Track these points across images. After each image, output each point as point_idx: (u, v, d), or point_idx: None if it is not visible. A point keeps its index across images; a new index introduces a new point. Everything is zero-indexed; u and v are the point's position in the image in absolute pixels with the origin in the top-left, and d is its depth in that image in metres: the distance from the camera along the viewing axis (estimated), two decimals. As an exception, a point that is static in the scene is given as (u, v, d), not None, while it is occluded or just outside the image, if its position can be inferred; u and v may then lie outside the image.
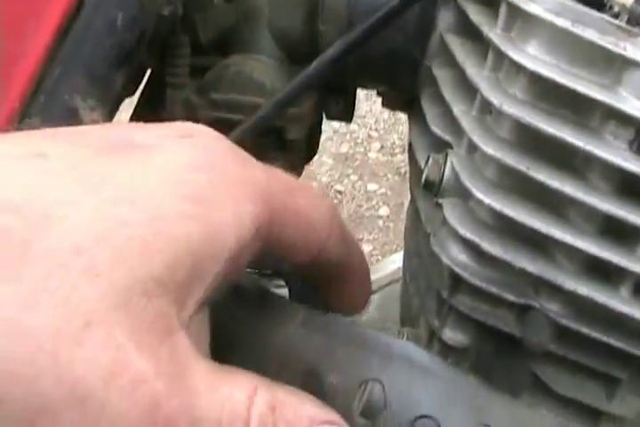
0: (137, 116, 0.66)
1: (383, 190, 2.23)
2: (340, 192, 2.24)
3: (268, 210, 0.29)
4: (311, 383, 0.37)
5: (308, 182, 2.26)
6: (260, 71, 0.62)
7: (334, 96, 0.66)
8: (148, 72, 0.68)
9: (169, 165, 0.27)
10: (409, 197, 0.64)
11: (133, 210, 0.25)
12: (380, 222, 2.11)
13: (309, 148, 0.70)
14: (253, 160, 0.31)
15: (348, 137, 2.46)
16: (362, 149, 2.41)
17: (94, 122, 0.45)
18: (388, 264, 1.12)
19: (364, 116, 2.52)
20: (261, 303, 0.40)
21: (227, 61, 0.63)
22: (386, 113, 2.47)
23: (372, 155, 2.39)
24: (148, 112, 0.64)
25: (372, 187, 2.26)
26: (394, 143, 2.37)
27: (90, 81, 0.45)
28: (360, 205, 2.18)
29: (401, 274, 0.72)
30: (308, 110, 0.63)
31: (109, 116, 0.50)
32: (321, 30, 0.61)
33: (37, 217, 0.23)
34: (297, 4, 0.63)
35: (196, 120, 0.55)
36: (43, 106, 0.45)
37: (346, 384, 0.37)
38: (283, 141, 0.63)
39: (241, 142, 0.52)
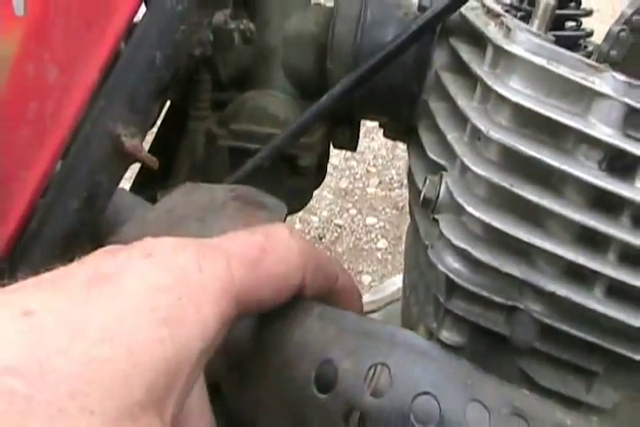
0: (159, 141, 0.72)
1: (381, 224, 2.28)
2: (339, 226, 2.30)
3: (233, 299, 0.35)
4: (327, 369, 0.43)
5: (309, 217, 2.32)
6: (275, 105, 0.68)
7: (341, 127, 0.72)
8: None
9: (139, 291, 0.31)
10: (406, 229, 0.70)
11: (114, 347, 0.28)
12: (379, 255, 2.17)
13: (319, 174, 0.76)
14: (212, 252, 0.35)
15: (347, 173, 2.52)
16: (361, 185, 2.47)
17: (135, 147, 0.52)
18: (388, 286, 1.18)
19: (363, 153, 2.59)
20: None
21: (244, 96, 0.69)
22: (384, 149, 2.54)
23: (370, 190, 2.45)
24: (169, 140, 0.70)
25: (370, 220, 2.32)
26: (392, 178, 2.43)
27: (131, 111, 0.51)
28: (359, 239, 2.23)
29: (400, 294, 0.77)
30: (318, 140, 0.69)
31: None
32: (329, 68, 0.67)
33: (34, 373, 0.27)
34: (308, 45, 0.69)
35: (214, 149, 0.62)
36: (89, 132, 0.52)
37: (357, 369, 0.43)
38: (296, 168, 0.69)
39: (259, 169, 0.59)
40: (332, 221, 2.32)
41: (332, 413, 0.43)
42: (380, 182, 2.46)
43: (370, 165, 2.55)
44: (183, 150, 0.68)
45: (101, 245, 0.35)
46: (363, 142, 2.62)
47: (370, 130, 2.65)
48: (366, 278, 2.10)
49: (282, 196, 0.57)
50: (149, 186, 0.65)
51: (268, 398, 0.46)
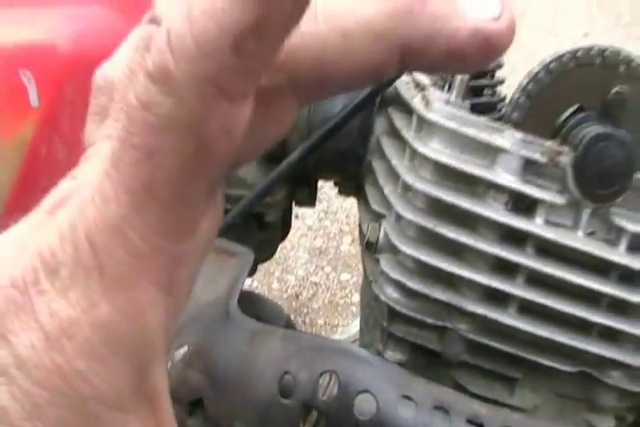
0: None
1: (355, 279, 2.39)
2: (315, 284, 2.40)
3: None
4: (287, 379, 0.54)
5: (286, 276, 2.42)
6: (244, 170, 0.80)
7: (300, 187, 0.84)
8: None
9: None
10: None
11: None
12: (354, 309, 2.26)
13: (284, 227, 0.87)
14: None
15: (321, 232, 2.63)
16: (335, 243, 2.58)
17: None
18: (352, 328, 1.28)
19: (336, 213, 2.71)
20: (249, 326, 0.58)
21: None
22: (355, 208, 2.66)
23: (343, 247, 2.56)
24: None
25: (344, 277, 2.42)
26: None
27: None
28: (334, 294, 2.34)
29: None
30: (281, 199, 0.81)
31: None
32: (288, 138, 0.79)
33: None
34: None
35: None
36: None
37: (311, 377, 0.54)
38: (263, 223, 0.80)
39: (231, 226, 0.70)
40: (307, 279, 2.42)
41: (293, 413, 0.54)
42: (353, 240, 2.57)
43: (343, 224, 2.67)
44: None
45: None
46: (335, 203, 2.74)
47: (342, 191, 2.77)
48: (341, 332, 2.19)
49: (252, 247, 0.68)
50: None
51: (242, 408, 0.56)
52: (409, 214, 0.63)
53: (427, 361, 0.65)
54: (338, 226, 2.68)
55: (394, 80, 0.72)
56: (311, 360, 0.54)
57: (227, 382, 0.57)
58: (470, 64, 0.27)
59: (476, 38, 0.26)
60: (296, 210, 2.90)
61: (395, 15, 0.26)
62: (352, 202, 2.74)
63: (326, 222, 2.70)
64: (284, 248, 2.55)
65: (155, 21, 0.28)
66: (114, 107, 0.28)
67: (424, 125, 0.64)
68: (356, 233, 2.59)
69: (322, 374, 0.53)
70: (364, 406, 0.52)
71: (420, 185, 0.62)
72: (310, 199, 0.85)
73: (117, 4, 0.60)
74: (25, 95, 0.55)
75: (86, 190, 0.24)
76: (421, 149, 0.63)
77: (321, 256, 2.53)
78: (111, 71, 0.30)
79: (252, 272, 0.80)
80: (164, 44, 0.22)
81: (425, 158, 0.63)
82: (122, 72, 0.28)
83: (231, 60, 0.22)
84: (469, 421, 0.53)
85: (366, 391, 0.52)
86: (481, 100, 0.74)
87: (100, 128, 0.29)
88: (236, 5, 0.21)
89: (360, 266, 2.56)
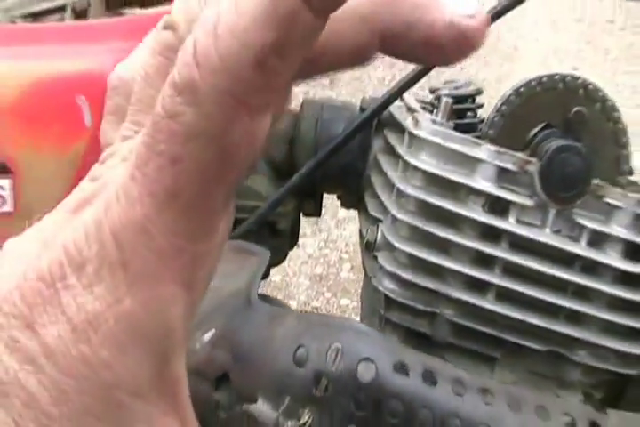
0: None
1: (354, 304, 2.49)
2: (316, 308, 2.50)
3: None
4: (301, 351, 0.65)
5: (288, 301, 2.52)
6: (258, 184, 0.91)
7: (307, 199, 0.95)
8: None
9: None
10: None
11: None
12: (354, 332, 2.37)
13: (293, 237, 0.98)
14: None
15: (321, 260, 2.74)
16: (334, 270, 2.69)
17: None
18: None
19: (336, 241, 2.82)
20: (267, 311, 0.69)
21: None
22: (354, 237, 2.77)
23: (343, 274, 2.67)
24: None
25: (344, 302, 2.53)
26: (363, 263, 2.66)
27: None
28: (335, 318, 2.45)
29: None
30: (290, 209, 0.92)
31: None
32: (297, 155, 0.90)
33: None
34: (281, 139, 0.92)
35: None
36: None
37: (320, 348, 0.64)
38: (275, 231, 0.91)
39: (249, 232, 0.80)
40: (309, 304, 2.53)
41: (307, 381, 0.64)
42: (352, 267, 2.68)
43: (342, 252, 2.78)
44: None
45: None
46: (335, 232, 2.86)
47: (341, 221, 2.89)
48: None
49: (265, 252, 0.78)
50: None
51: (263, 378, 0.67)
52: (402, 216, 0.74)
53: (419, 343, 0.75)
54: (337, 254, 2.79)
55: (388, 105, 0.83)
56: (320, 335, 0.65)
57: (249, 358, 0.67)
58: (446, 56, 0.29)
59: (452, 30, 0.28)
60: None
61: (378, 0, 0.28)
62: (351, 231, 2.86)
63: (326, 251, 2.81)
64: (286, 275, 2.65)
65: (171, 27, 0.29)
66: (131, 108, 0.30)
67: (414, 141, 0.75)
68: (355, 261, 2.71)
69: (329, 346, 0.64)
70: (365, 371, 0.63)
71: (412, 191, 0.73)
72: (316, 210, 0.96)
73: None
74: (80, 116, 0.66)
75: (111, 191, 0.25)
76: (412, 161, 0.74)
77: (321, 282, 2.63)
78: (127, 72, 0.32)
79: (265, 276, 0.91)
80: (191, 58, 0.23)
81: (415, 169, 0.74)
82: (138, 74, 0.30)
83: (253, 76, 0.23)
84: (454, 382, 0.64)
85: (367, 359, 0.63)
86: (464, 121, 0.85)
87: (116, 129, 0.31)
88: (258, 24, 0.23)
89: (359, 291, 2.66)
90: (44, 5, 0.97)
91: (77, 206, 0.28)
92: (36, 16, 0.98)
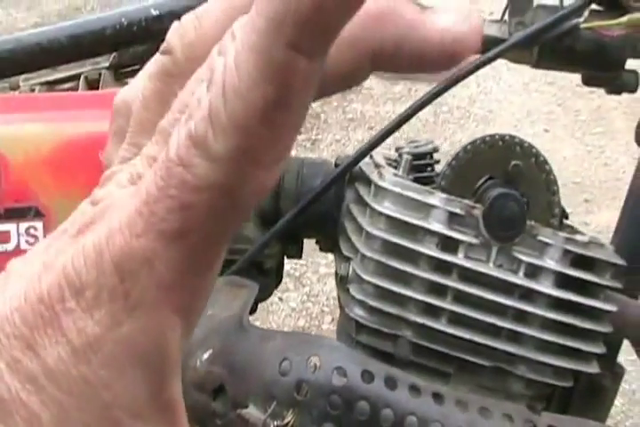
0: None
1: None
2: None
3: None
4: (285, 363, 0.78)
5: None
6: (247, 230, 1.05)
7: (290, 243, 1.09)
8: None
9: None
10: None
11: None
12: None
13: (277, 275, 1.11)
14: None
15: (304, 313, 2.87)
16: (316, 322, 2.81)
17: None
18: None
19: (317, 295, 2.95)
20: (258, 331, 0.82)
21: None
22: (334, 292, 2.90)
23: (324, 326, 2.79)
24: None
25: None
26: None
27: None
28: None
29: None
30: (276, 251, 1.05)
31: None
32: (280, 204, 1.04)
33: None
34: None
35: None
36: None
37: (302, 360, 0.77)
38: (262, 270, 1.05)
39: (240, 270, 0.93)
40: (293, 353, 2.64)
41: (290, 387, 0.77)
42: (333, 320, 2.80)
43: (324, 305, 2.90)
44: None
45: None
46: (317, 287, 2.99)
47: (323, 276, 3.02)
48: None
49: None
50: None
51: (254, 387, 0.79)
52: (370, 254, 0.88)
53: (384, 361, 0.88)
54: (319, 307, 2.92)
55: (358, 161, 0.97)
56: (302, 349, 0.78)
57: (242, 370, 0.80)
58: (440, 64, 0.29)
59: (445, 43, 0.28)
60: (280, 293, 3.14)
61: (366, 25, 0.28)
62: (331, 286, 2.99)
63: (308, 304, 2.93)
64: (270, 328, 2.77)
65: (167, 52, 0.30)
66: (130, 131, 0.30)
67: (379, 191, 0.90)
68: (335, 314, 2.84)
69: (309, 358, 0.77)
70: (338, 378, 0.76)
71: (377, 233, 0.87)
72: (298, 253, 1.10)
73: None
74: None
75: (114, 219, 0.26)
76: (377, 207, 0.88)
77: (304, 333, 2.75)
78: (128, 96, 0.33)
79: (252, 311, 1.04)
80: (206, 114, 0.24)
81: (380, 214, 0.88)
82: (137, 98, 0.30)
83: (262, 132, 0.23)
84: (410, 387, 0.77)
85: (339, 368, 0.76)
86: (423, 174, 1.00)
87: (117, 150, 0.31)
88: (257, 82, 0.23)
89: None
90: (60, 75, 1.12)
91: (78, 230, 0.28)
92: (51, 84, 1.13)
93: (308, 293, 3.00)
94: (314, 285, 3.02)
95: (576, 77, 1.05)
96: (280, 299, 2.94)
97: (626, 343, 1.01)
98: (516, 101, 4.66)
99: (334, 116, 4.38)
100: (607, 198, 3.50)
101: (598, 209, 3.47)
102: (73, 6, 5.66)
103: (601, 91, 1.06)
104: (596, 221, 3.34)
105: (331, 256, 1.08)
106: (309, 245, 1.20)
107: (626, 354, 1.01)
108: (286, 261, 2.73)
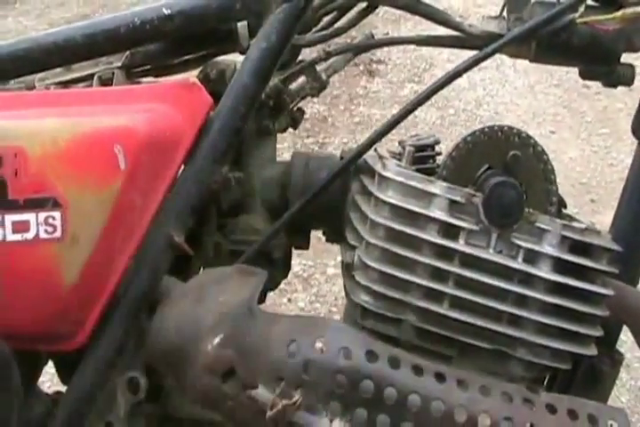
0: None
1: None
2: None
3: None
4: (293, 344, 0.81)
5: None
6: (256, 222, 1.08)
7: (297, 234, 1.12)
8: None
9: None
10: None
11: None
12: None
13: (285, 266, 1.14)
14: None
15: (312, 313, 2.90)
16: (325, 322, 2.85)
17: (181, 242, 0.90)
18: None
19: (325, 296, 2.98)
20: (265, 316, 0.85)
21: (238, 218, 1.09)
22: (342, 292, 2.93)
23: (334, 325, 2.83)
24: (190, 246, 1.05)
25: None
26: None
27: (178, 220, 0.90)
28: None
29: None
30: (283, 242, 1.08)
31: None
32: (290, 197, 1.07)
33: None
34: (275, 185, 1.10)
35: (219, 252, 1.00)
36: (155, 234, 0.90)
37: (309, 342, 0.81)
38: (271, 259, 1.08)
39: (249, 260, 0.97)
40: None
41: (298, 367, 0.80)
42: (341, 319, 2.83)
43: (332, 305, 2.93)
44: (199, 253, 1.06)
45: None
46: (325, 287, 3.02)
47: (331, 277, 3.06)
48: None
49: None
50: (177, 273, 1.01)
51: (263, 369, 0.83)
52: (374, 241, 0.91)
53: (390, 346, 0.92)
54: (327, 307, 2.95)
55: (362, 154, 1.01)
56: (308, 331, 0.82)
57: (251, 353, 0.83)
58: None
59: None
60: (289, 294, 3.16)
61: None
62: (339, 287, 3.02)
63: (317, 304, 2.96)
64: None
65: None
66: None
67: (382, 181, 0.93)
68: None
69: (316, 339, 0.80)
70: (343, 358, 0.79)
71: (381, 221, 0.91)
72: (304, 243, 1.13)
73: (176, 103, 0.90)
74: (117, 162, 0.84)
75: None
76: (381, 196, 0.92)
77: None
78: None
79: (261, 301, 1.08)
80: None
81: (384, 203, 0.92)
82: None
83: None
84: (413, 366, 0.80)
85: (345, 348, 0.80)
86: (425, 166, 1.04)
87: None
88: None
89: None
90: (74, 75, 1.15)
91: None
92: (66, 84, 1.16)
93: (316, 293, 3.03)
94: (322, 285, 3.05)
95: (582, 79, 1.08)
96: (289, 300, 2.97)
97: (632, 340, 1.03)
98: (522, 104, 4.70)
99: (341, 119, 4.42)
100: (613, 198, 3.49)
101: (604, 209, 3.49)
102: (81, 14, 5.73)
103: (607, 92, 1.10)
104: (602, 221, 3.36)
105: (339, 257, 1.11)
106: (318, 246, 1.22)
107: (634, 351, 1.03)
108: (295, 262, 2.78)
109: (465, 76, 0.98)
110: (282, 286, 3.26)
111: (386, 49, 4.96)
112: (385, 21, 5.40)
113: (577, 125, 4.39)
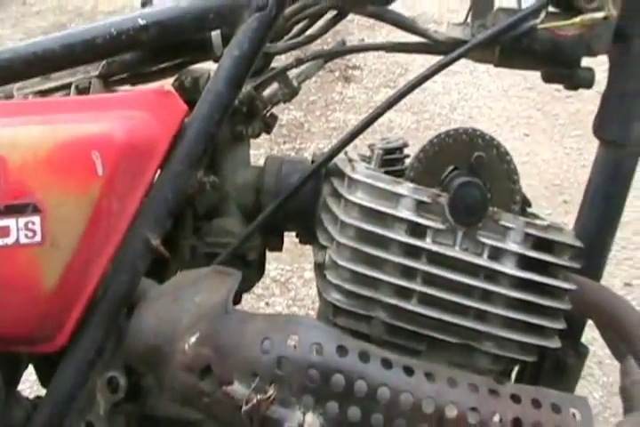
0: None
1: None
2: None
3: None
4: (266, 342, 0.84)
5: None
6: (231, 225, 1.11)
7: (271, 236, 1.15)
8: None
9: None
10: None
11: None
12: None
13: (259, 268, 1.17)
14: None
15: (292, 316, 2.93)
16: (304, 325, 2.88)
17: (158, 245, 0.93)
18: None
19: (303, 299, 3.01)
20: (240, 315, 0.88)
21: (213, 221, 1.12)
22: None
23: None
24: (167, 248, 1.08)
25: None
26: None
27: (156, 223, 0.93)
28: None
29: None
30: (258, 244, 1.12)
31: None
32: (263, 201, 1.11)
33: None
34: (249, 188, 1.13)
35: (194, 254, 1.03)
36: (131, 237, 0.93)
37: (282, 338, 0.84)
38: (245, 261, 1.11)
39: (225, 262, 1.00)
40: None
41: (271, 363, 0.83)
42: (319, 322, 2.86)
43: (309, 309, 2.96)
44: (176, 256, 1.09)
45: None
46: (302, 291, 3.05)
47: (308, 280, 3.08)
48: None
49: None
50: (154, 275, 1.04)
51: (238, 366, 0.86)
52: (344, 241, 0.94)
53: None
54: (305, 311, 2.97)
55: (332, 157, 1.04)
56: (282, 328, 0.85)
57: (227, 351, 0.86)
58: None
59: None
60: (267, 298, 3.18)
61: None
62: (317, 290, 3.04)
63: (294, 308, 2.99)
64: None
65: None
66: None
67: (352, 183, 0.96)
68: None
69: (289, 335, 0.84)
70: (315, 353, 0.83)
71: (351, 221, 0.94)
72: (279, 245, 1.17)
73: (151, 110, 0.93)
74: (94, 167, 0.86)
75: None
76: (350, 198, 0.95)
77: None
78: None
79: (236, 301, 1.11)
80: None
81: (353, 204, 0.95)
82: None
83: None
84: (383, 360, 0.83)
85: (316, 343, 0.83)
86: (394, 168, 1.07)
87: None
88: None
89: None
90: (52, 84, 1.18)
91: None
92: (44, 93, 1.19)
93: (293, 297, 3.06)
94: (299, 289, 3.08)
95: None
96: (267, 304, 3.00)
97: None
98: (496, 107, 4.74)
99: (318, 125, 4.45)
100: (586, 200, 3.56)
101: (577, 209, 3.54)
102: (58, 23, 5.72)
103: (579, 95, 1.13)
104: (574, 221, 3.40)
105: (315, 261, 1.13)
106: (294, 251, 1.24)
107: (606, 348, 1.07)
108: (272, 267, 2.82)
109: (440, 80, 1.02)
110: (260, 290, 3.28)
111: (361, 55, 4.99)
112: (360, 28, 5.44)
113: (550, 128, 4.44)
